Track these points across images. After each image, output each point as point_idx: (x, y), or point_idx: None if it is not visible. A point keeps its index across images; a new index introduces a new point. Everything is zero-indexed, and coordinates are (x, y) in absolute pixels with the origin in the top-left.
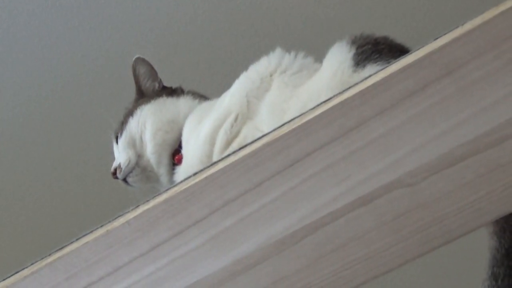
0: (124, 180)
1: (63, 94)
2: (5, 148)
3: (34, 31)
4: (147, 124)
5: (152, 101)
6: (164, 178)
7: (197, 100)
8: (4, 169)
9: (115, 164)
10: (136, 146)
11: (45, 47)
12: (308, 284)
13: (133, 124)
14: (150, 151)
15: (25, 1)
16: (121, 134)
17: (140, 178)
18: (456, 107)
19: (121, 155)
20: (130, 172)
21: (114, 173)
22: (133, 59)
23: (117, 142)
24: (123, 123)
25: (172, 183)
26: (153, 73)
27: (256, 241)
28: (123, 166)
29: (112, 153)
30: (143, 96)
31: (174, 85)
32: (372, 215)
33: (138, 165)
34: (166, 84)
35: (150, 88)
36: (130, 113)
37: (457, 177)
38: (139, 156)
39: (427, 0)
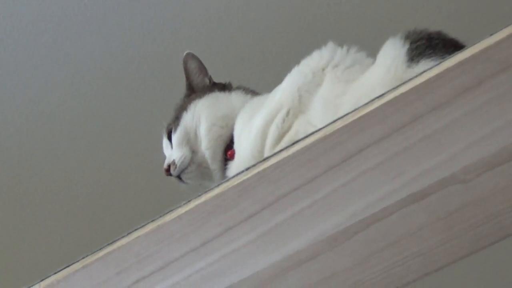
0: (178, 177)
1: (119, 89)
2: (60, 143)
3: (90, 26)
4: (201, 118)
5: (206, 96)
6: (217, 174)
7: (249, 95)
8: (60, 163)
9: (168, 161)
10: (190, 141)
11: (97, 43)
12: (360, 280)
13: (187, 119)
14: (205, 146)
15: None
16: (175, 130)
17: (195, 175)
18: None
19: (175, 151)
20: (185, 168)
21: (168, 170)
22: (184, 54)
23: (168, 138)
24: (176, 119)
25: (224, 179)
26: (203, 68)
27: (307, 237)
28: (178, 163)
29: (161, 148)
30: (193, 91)
31: (222, 81)
32: (425, 212)
33: (193, 161)
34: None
35: (200, 83)
36: (183, 108)
37: (511, 173)
38: (194, 152)
39: None
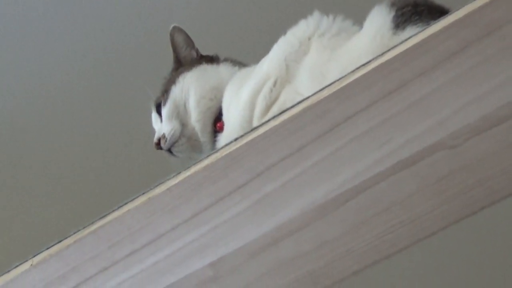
0: (169, 150)
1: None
2: (50, 118)
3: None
4: (190, 91)
5: (194, 69)
6: (207, 146)
7: (236, 67)
8: (51, 139)
9: (158, 135)
10: (180, 115)
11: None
12: (351, 248)
13: (176, 92)
14: (194, 118)
15: None
16: (164, 103)
17: (185, 148)
18: (498, 67)
19: (165, 124)
20: (176, 141)
21: (158, 143)
22: (170, 27)
23: (157, 112)
24: (165, 92)
25: None
26: (190, 41)
27: (298, 206)
28: (168, 136)
29: (151, 122)
30: (181, 65)
31: (210, 53)
32: (414, 178)
33: (183, 134)
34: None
35: (188, 56)
36: (172, 81)
37: (500, 138)
38: (183, 125)
39: None
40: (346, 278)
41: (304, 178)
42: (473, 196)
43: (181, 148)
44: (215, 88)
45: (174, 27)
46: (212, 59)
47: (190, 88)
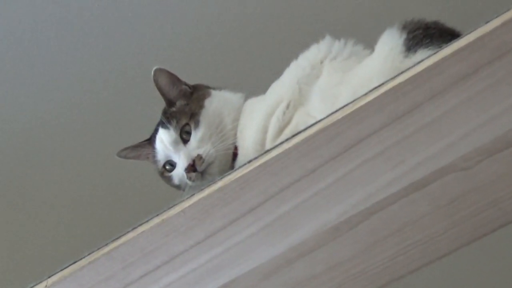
0: (201, 172)
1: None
2: (64, 139)
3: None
4: (223, 114)
5: (213, 94)
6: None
7: (239, 94)
8: (65, 160)
9: (190, 157)
10: (212, 138)
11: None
12: (364, 269)
13: (209, 115)
14: (232, 141)
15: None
16: (196, 127)
17: (218, 171)
18: (509, 90)
19: (197, 147)
20: (212, 163)
21: (193, 165)
22: (152, 71)
23: (180, 134)
24: (193, 116)
25: None
26: (175, 79)
27: (311, 228)
28: (205, 157)
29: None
30: (173, 104)
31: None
32: (426, 200)
33: (217, 157)
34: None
35: (179, 93)
36: (199, 106)
37: (511, 160)
38: (214, 148)
39: None
40: None
41: (317, 200)
42: (484, 218)
43: (215, 170)
44: (238, 109)
45: (156, 70)
46: (208, 87)
47: (222, 111)
